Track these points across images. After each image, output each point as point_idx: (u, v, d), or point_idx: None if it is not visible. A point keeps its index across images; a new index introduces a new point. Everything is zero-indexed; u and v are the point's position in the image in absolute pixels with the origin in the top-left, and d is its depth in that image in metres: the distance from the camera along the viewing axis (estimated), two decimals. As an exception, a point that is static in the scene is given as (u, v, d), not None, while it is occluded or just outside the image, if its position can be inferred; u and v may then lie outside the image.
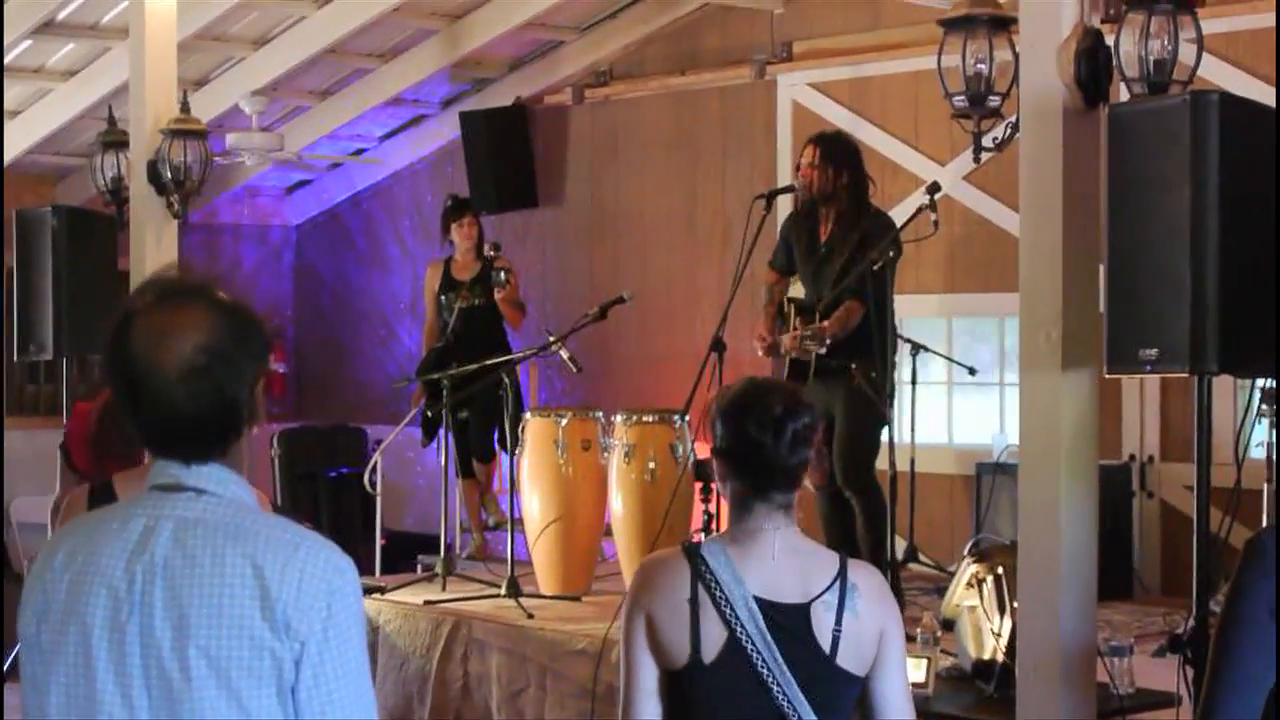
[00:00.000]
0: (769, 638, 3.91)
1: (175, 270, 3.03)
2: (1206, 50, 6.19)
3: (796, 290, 9.31)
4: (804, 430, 4.00)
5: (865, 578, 4.04)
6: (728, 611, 3.92)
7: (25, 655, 2.97)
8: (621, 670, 4.07)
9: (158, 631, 2.84)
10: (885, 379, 8.51)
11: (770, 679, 3.90)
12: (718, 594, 3.93)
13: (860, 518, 8.74)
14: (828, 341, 8.56)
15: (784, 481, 4.02)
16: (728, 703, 3.95)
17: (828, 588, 3.97)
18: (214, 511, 2.90)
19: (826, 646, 3.94)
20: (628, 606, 4.06)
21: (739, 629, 3.91)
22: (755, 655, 3.90)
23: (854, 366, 8.56)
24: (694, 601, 3.95)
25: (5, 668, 8.10)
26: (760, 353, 9.02)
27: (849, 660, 3.96)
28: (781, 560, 3.99)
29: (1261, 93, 8.41)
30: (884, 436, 8.63)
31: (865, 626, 3.97)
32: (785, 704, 3.90)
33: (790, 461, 4.00)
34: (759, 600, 3.93)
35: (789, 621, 3.94)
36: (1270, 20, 8.68)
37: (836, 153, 8.88)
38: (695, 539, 8.63)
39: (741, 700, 3.93)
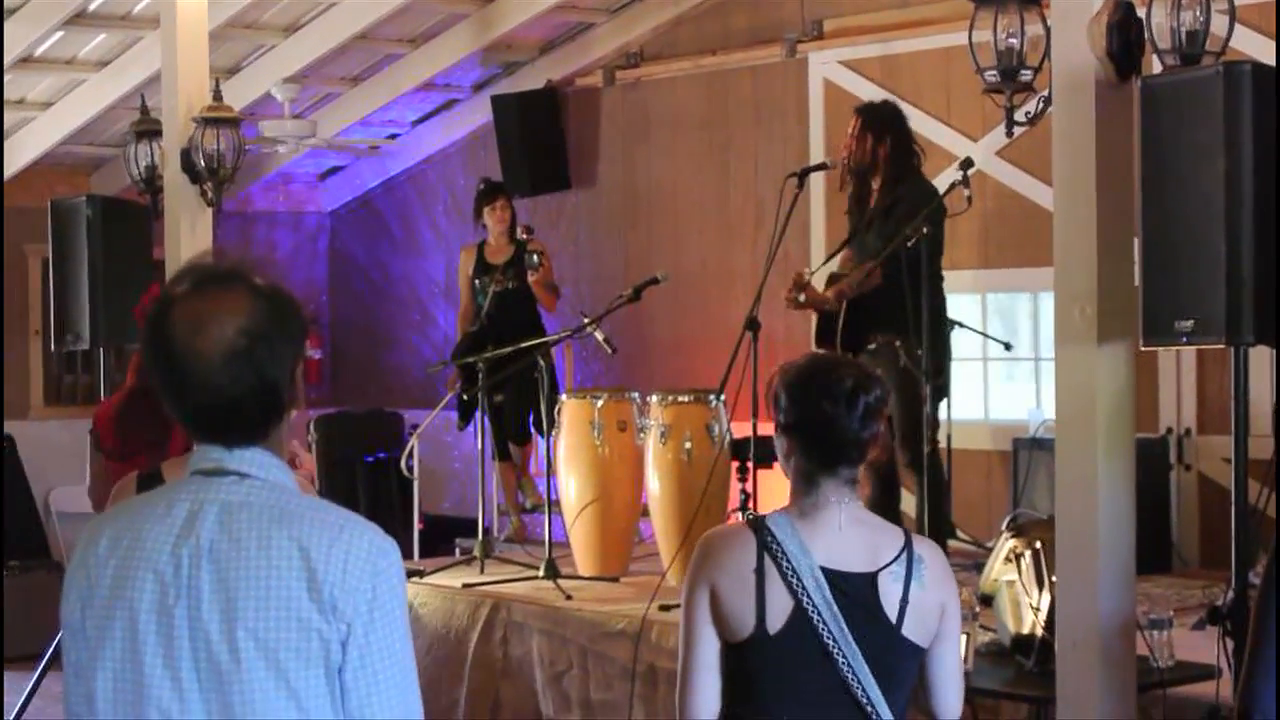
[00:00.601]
0: (835, 608, 3.90)
1: (212, 256, 3.04)
2: (1239, 21, 6.16)
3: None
4: (875, 403, 4.00)
5: (930, 551, 4.05)
6: (794, 581, 3.91)
7: (69, 641, 2.98)
8: (680, 643, 4.06)
9: (205, 615, 2.85)
10: (922, 353, 8.49)
11: (835, 649, 3.89)
12: (784, 564, 3.92)
13: (918, 490, 8.70)
14: (828, 298, 8.57)
15: (854, 456, 4.00)
16: (792, 673, 3.94)
17: (895, 558, 3.98)
18: (258, 495, 2.91)
19: (893, 617, 3.94)
20: (689, 579, 4.04)
21: (805, 599, 3.90)
22: (821, 625, 3.89)
23: (898, 344, 8.56)
24: (760, 572, 3.93)
25: (47, 655, 8.15)
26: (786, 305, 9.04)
27: (914, 631, 3.96)
28: (848, 531, 3.99)
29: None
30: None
31: (930, 599, 3.98)
32: (849, 674, 3.89)
33: (861, 435, 3.98)
34: (825, 570, 3.93)
35: (856, 591, 3.93)
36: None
37: (876, 122, 8.88)
38: (732, 518, 8.69)
39: (806, 670, 3.92)
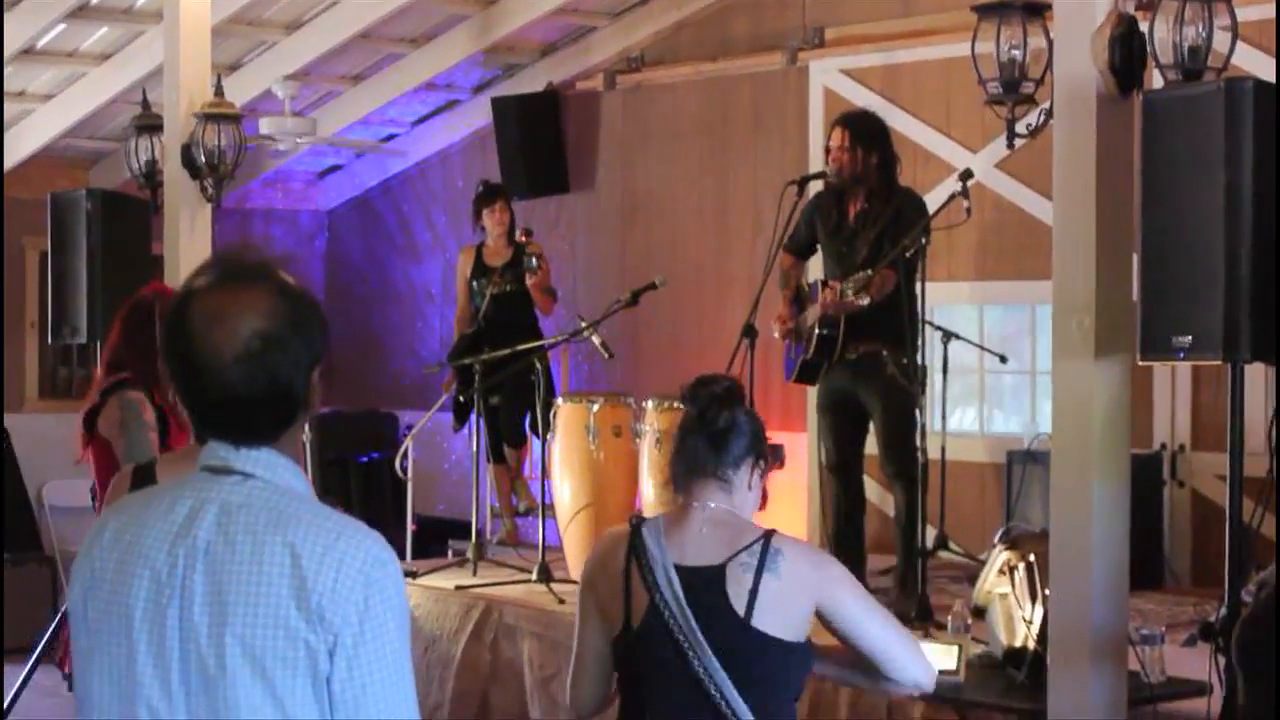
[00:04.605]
0: (684, 603, 4.05)
1: (238, 250, 3.00)
2: (1241, 38, 6.18)
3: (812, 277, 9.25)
4: (726, 424, 4.26)
5: (792, 546, 4.18)
6: (649, 579, 4.09)
7: (73, 628, 2.96)
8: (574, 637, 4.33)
9: (196, 617, 2.81)
10: (915, 365, 8.46)
11: (685, 644, 4.03)
12: (644, 562, 4.11)
13: (900, 501, 8.65)
14: (866, 300, 8.34)
15: (711, 467, 4.23)
16: (653, 669, 4.11)
17: (745, 548, 4.11)
18: (259, 496, 2.86)
19: (741, 608, 4.05)
20: (580, 578, 4.34)
21: (658, 595, 4.07)
22: (672, 621, 4.05)
23: (885, 354, 8.51)
24: (626, 572, 4.15)
25: (38, 649, 8.15)
26: (777, 335, 8.95)
27: (767, 623, 4.05)
28: (708, 529, 4.17)
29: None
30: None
31: (790, 590, 4.07)
32: (700, 669, 4.02)
33: (718, 451, 4.24)
34: (679, 567, 4.10)
35: (704, 584, 4.08)
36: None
37: (865, 134, 8.79)
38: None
39: (663, 667, 4.07)
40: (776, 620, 4.05)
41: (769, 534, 4.15)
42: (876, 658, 4.17)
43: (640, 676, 4.14)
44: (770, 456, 4.32)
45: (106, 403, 6.47)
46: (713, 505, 4.19)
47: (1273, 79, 5.96)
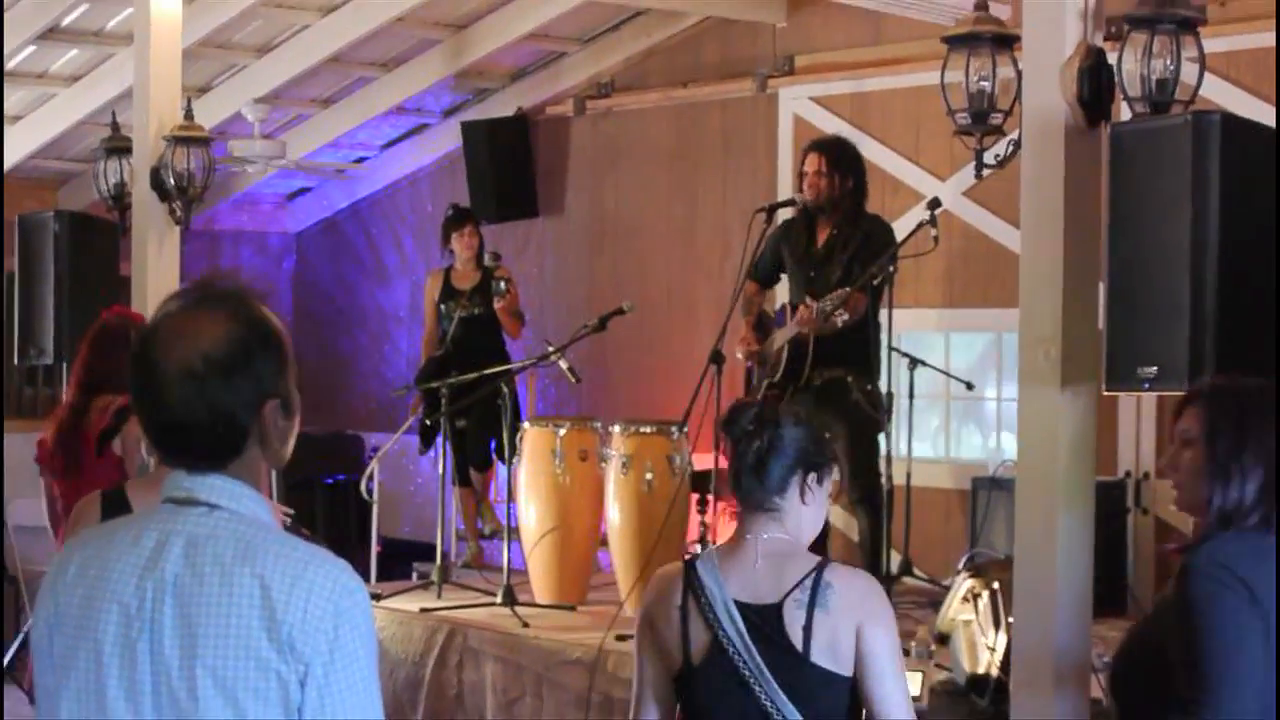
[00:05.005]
0: (748, 639, 4.07)
1: (216, 276, 3.00)
2: (1208, 70, 6.22)
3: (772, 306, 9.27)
4: (768, 445, 4.19)
5: (844, 578, 4.16)
6: (710, 616, 4.11)
7: (37, 664, 2.95)
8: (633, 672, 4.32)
9: (167, 650, 2.81)
10: (879, 391, 8.49)
11: (752, 679, 4.05)
12: (703, 600, 4.12)
13: (864, 526, 8.67)
14: (845, 317, 8.29)
15: (759, 497, 4.20)
16: (717, 704, 4.12)
17: (798, 584, 4.11)
18: (225, 527, 2.86)
19: (799, 644, 4.07)
20: (638, 614, 4.32)
21: (720, 632, 4.09)
22: (736, 657, 4.07)
23: (850, 380, 8.53)
24: (684, 609, 4.15)
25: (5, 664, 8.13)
26: (740, 356, 8.97)
27: (823, 657, 4.07)
28: (762, 564, 4.16)
29: (1262, 112, 8.42)
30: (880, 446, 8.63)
31: (839, 624, 4.08)
32: (768, 703, 4.05)
33: (761, 475, 4.19)
34: (739, 604, 4.11)
35: (764, 621, 4.09)
36: (1271, 39, 8.71)
37: (841, 159, 8.82)
38: (691, 549, 8.69)
39: (729, 702, 4.09)
40: (828, 654, 4.07)
41: (821, 566, 4.14)
42: (870, 707, 4.14)
43: (705, 712, 4.17)
44: (828, 458, 4.27)
45: (128, 421, 6.49)
46: (766, 536, 4.18)
47: (1239, 111, 6.01)
